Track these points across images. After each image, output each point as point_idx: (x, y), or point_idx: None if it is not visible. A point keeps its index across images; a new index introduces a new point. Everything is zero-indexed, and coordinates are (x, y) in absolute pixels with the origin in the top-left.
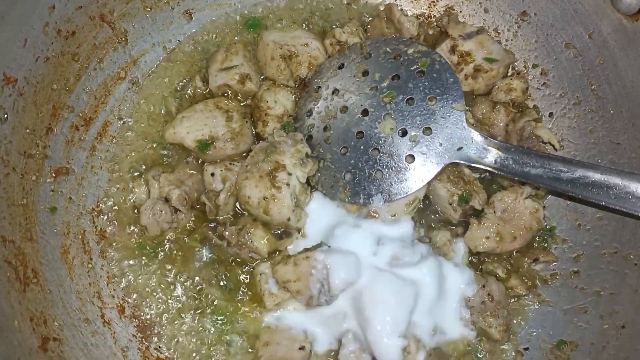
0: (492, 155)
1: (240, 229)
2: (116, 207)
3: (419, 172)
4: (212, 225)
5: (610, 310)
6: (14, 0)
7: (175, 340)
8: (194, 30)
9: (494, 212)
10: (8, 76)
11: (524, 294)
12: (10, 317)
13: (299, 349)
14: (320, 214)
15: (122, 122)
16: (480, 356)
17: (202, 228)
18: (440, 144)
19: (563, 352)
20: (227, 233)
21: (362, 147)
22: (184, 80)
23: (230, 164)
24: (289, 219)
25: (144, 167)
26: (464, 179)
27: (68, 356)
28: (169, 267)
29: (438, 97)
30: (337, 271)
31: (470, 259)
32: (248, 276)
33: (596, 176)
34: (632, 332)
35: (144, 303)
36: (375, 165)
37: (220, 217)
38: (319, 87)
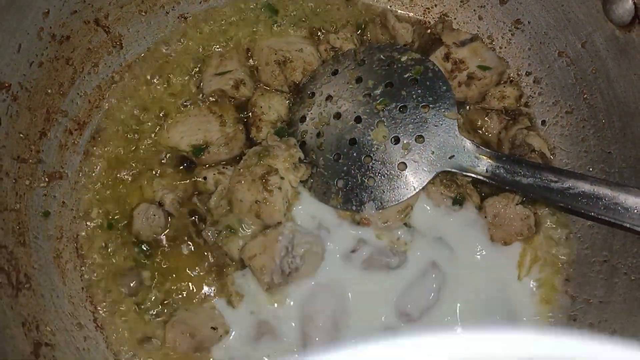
0: (484, 164)
1: (220, 232)
2: (109, 212)
3: (411, 180)
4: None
5: (599, 319)
6: (7, 6)
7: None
8: (188, 35)
9: (485, 217)
10: (2, 81)
11: None
12: (2, 323)
13: (211, 328)
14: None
15: (115, 126)
16: None
17: (185, 224)
18: (433, 152)
19: None
20: (206, 233)
21: (354, 154)
22: (179, 85)
23: (224, 167)
24: (280, 223)
25: (137, 171)
26: (456, 182)
27: None
28: (159, 270)
29: (431, 105)
30: (304, 236)
31: None
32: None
33: (586, 186)
34: (621, 341)
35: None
36: (368, 173)
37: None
38: (313, 93)
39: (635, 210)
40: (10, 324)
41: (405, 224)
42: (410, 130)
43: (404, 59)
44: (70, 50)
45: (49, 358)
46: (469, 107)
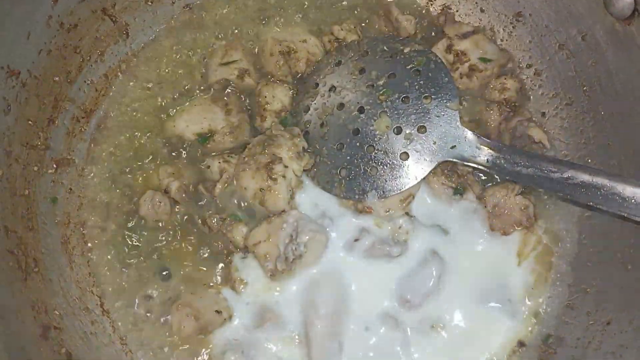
0: (485, 154)
1: (224, 219)
2: (115, 198)
3: (413, 170)
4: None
5: (596, 307)
6: None
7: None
8: (194, 25)
9: (485, 206)
10: (12, 69)
11: None
12: (12, 306)
13: (216, 311)
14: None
15: (122, 114)
16: None
17: (190, 211)
18: (434, 142)
19: (550, 346)
20: (210, 220)
21: (357, 144)
22: (184, 75)
23: (228, 156)
24: (284, 211)
25: (143, 159)
26: (457, 172)
27: (68, 344)
28: (165, 256)
29: (433, 96)
30: (308, 224)
31: None
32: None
33: (585, 177)
34: (617, 329)
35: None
36: (370, 162)
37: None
38: (317, 83)
39: (633, 200)
40: (20, 307)
41: (406, 213)
42: (413, 120)
43: (406, 50)
44: (78, 38)
45: (58, 340)
46: (470, 99)
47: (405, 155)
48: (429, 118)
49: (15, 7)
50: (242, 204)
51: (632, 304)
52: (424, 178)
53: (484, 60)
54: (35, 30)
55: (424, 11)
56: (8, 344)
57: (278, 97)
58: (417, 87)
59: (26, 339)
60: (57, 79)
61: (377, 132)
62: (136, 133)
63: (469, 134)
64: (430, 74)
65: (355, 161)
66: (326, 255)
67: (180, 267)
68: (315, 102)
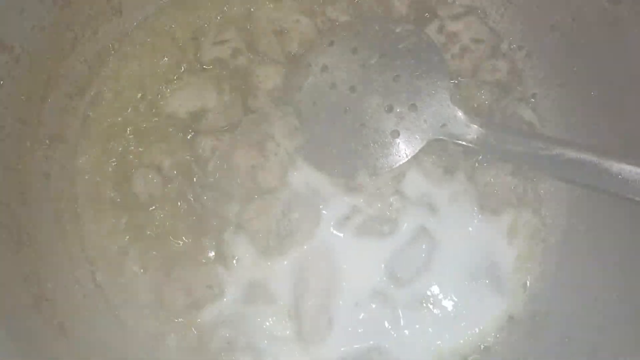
0: (474, 133)
1: (217, 196)
2: (108, 174)
3: (404, 148)
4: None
5: (584, 283)
6: None
7: None
8: (187, 4)
9: (476, 185)
10: (5, 43)
11: None
12: (4, 278)
13: (207, 286)
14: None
15: (115, 92)
16: None
17: (182, 188)
18: (425, 121)
19: (538, 321)
20: (205, 197)
21: (349, 122)
22: (177, 54)
23: (221, 134)
24: (276, 188)
25: (136, 136)
26: (448, 151)
27: (61, 316)
28: (157, 232)
29: (424, 75)
30: (299, 201)
31: None
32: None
33: (573, 154)
34: (603, 304)
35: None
36: (362, 140)
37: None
38: (309, 63)
39: (620, 177)
40: (12, 279)
41: (397, 191)
42: (404, 99)
43: (398, 30)
44: (71, 16)
45: (50, 313)
46: (462, 79)
47: (396, 134)
48: (420, 97)
49: None
50: (234, 182)
51: (619, 280)
52: (415, 156)
53: (475, 41)
54: (28, 6)
55: None
56: (2, 316)
57: (271, 76)
58: (408, 66)
59: (18, 310)
60: (50, 55)
61: (369, 111)
62: (129, 111)
63: (460, 113)
64: (421, 54)
65: (347, 139)
66: (317, 232)
67: (172, 243)
68: (307, 81)
